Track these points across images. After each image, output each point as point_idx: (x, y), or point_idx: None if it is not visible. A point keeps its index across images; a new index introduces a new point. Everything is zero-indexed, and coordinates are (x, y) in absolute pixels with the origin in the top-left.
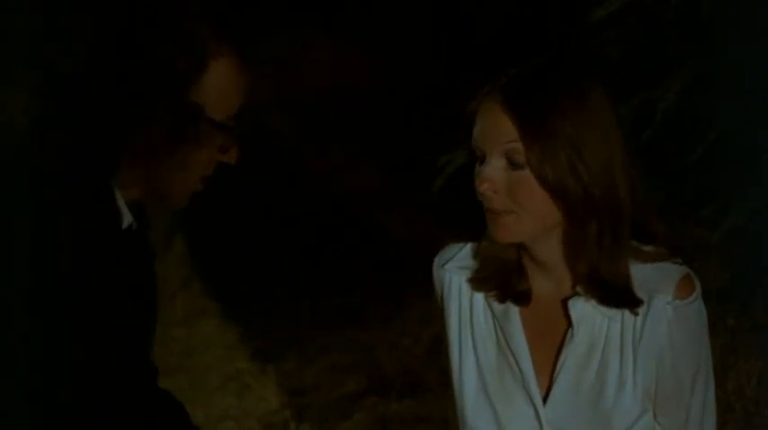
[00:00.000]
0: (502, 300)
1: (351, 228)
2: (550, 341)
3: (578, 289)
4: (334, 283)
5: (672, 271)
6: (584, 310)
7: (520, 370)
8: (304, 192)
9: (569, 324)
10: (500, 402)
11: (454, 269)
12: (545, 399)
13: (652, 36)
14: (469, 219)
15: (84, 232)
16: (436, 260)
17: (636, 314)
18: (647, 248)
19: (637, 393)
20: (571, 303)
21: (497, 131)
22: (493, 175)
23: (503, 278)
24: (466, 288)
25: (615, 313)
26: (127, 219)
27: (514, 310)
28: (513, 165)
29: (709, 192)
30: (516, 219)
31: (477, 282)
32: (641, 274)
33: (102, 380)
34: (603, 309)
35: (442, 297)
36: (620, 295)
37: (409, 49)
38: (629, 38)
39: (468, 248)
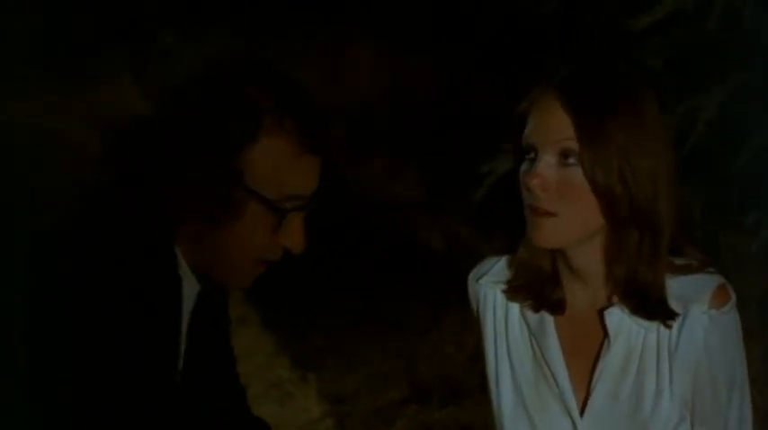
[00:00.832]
0: (536, 309)
1: (392, 236)
2: (586, 352)
3: (614, 299)
4: (375, 291)
5: (707, 281)
6: (621, 321)
7: (556, 382)
8: (345, 200)
9: (605, 334)
10: (537, 414)
11: (489, 283)
12: (582, 410)
13: (695, 45)
14: (509, 228)
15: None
16: (471, 275)
17: (669, 327)
18: (680, 261)
19: (674, 402)
20: (608, 313)
21: (553, 128)
22: (544, 172)
23: (537, 287)
24: (501, 301)
25: (651, 323)
26: (191, 285)
27: (549, 322)
28: (566, 162)
29: (751, 201)
30: (559, 222)
31: (512, 291)
32: (677, 286)
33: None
34: (639, 320)
35: (477, 311)
36: (654, 306)
37: (452, 57)
38: (672, 47)
39: (502, 262)
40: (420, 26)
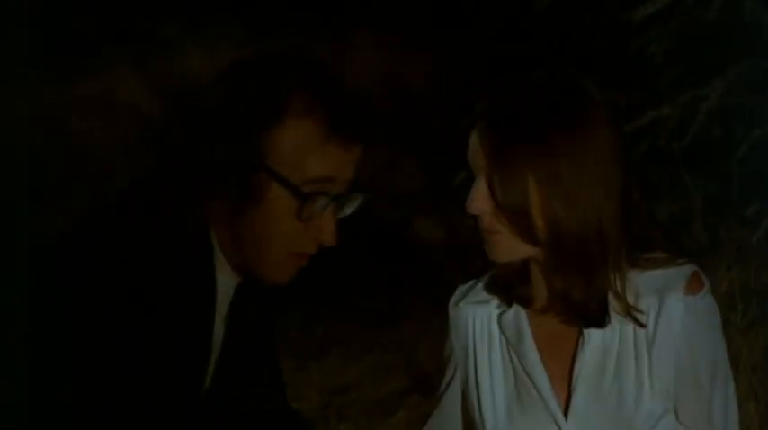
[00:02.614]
0: (508, 303)
1: (393, 228)
2: (564, 352)
3: None
4: (376, 283)
5: (680, 270)
6: None
7: (537, 388)
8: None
9: (581, 331)
10: (522, 422)
11: (468, 306)
12: (566, 411)
13: (695, 36)
14: None
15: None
16: (451, 301)
17: (642, 325)
18: (651, 256)
19: (656, 393)
20: None
21: (477, 156)
22: (477, 196)
23: (509, 285)
24: (481, 322)
25: (625, 317)
26: (228, 276)
27: (526, 328)
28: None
29: (752, 192)
30: (505, 238)
31: (491, 288)
32: (651, 279)
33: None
34: (612, 314)
35: (465, 335)
36: (591, 314)
37: (453, 49)
38: (672, 38)
39: (479, 283)
40: (420, 19)
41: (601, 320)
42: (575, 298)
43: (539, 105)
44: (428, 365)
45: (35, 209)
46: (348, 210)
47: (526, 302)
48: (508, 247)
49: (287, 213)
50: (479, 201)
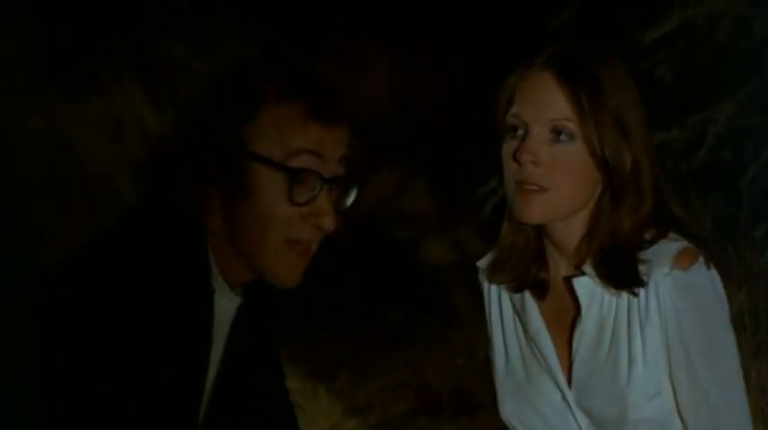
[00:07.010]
0: (518, 289)
1: (400, 249)
2: (566, 323)
3: (585, 268)
4: (384, 304)
5: (669, 245)
6: (593, 290)
7: (543, 357)
8: (352, 213)
9: (578, 305)
10: (530, 389)
11: (484, 271)
12: (569, 382)
13: (704, 57)
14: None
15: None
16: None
17: (636, 294)
18: (646, 232)
19: (649, 372)
20: (577, 282)
21: (547, 104)
22: (536, 148)
23: (522, 266)
24: (493, 288)
25: (621, 291)
26: (227, 298)
27: (530, 298)
28: (558, 139)
29: (761, 213)
30: (550, 197)
31: (495, 271)
32: (644, 254)
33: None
34: (610, 288)
35: (482, 294)
36: (628, 271)
37: (464, 69)
38: (682, 59)
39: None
40: (431, 38)
41: (635, 279)
42: (621, 250)
43: (597, 55)
44: (437, 387)
45: (39, 225)
46: (348, 200)
47: (542, 290)
48: (549, 206)
49: (279, 197)
50: (537, 151)
